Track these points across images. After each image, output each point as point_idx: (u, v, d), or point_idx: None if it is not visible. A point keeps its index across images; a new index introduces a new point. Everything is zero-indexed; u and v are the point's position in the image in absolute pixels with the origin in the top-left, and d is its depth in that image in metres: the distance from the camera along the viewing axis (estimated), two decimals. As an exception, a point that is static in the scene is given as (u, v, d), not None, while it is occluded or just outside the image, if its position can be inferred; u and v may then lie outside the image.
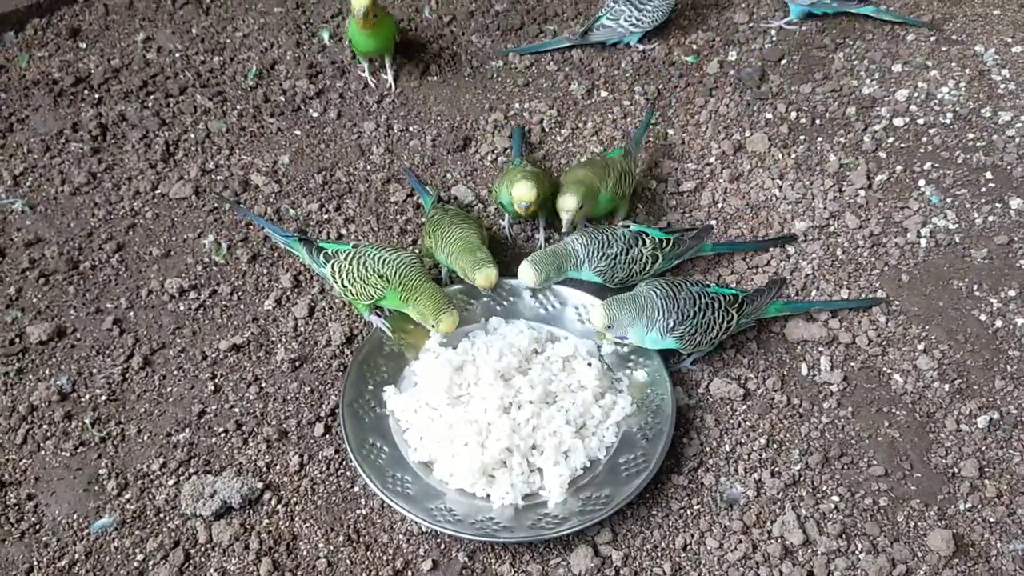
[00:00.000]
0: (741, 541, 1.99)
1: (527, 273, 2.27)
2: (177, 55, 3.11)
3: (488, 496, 2.02)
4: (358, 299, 2.24)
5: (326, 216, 2.64)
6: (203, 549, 2.00)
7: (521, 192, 2.35)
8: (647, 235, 2.34)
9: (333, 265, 2.27)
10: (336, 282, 2.26)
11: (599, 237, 2.31)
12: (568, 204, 2.36)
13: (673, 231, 2.41)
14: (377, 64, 3.04)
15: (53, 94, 2.95)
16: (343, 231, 2.60)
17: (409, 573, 1.97)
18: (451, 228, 2.33)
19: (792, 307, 2.36)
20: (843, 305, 2.37)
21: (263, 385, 2.27)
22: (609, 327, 2.16)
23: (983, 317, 2.36)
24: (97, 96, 2.97)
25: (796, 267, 2.47)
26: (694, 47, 3.10)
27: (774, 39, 3.10)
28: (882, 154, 2.74)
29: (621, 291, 2.27)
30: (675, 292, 2.18)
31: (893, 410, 2.20)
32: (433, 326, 2.18)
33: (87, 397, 2.25)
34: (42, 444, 2.16)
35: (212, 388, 2.26)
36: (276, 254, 2.54)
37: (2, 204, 2.62)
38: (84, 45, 3.14)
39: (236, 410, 2.23)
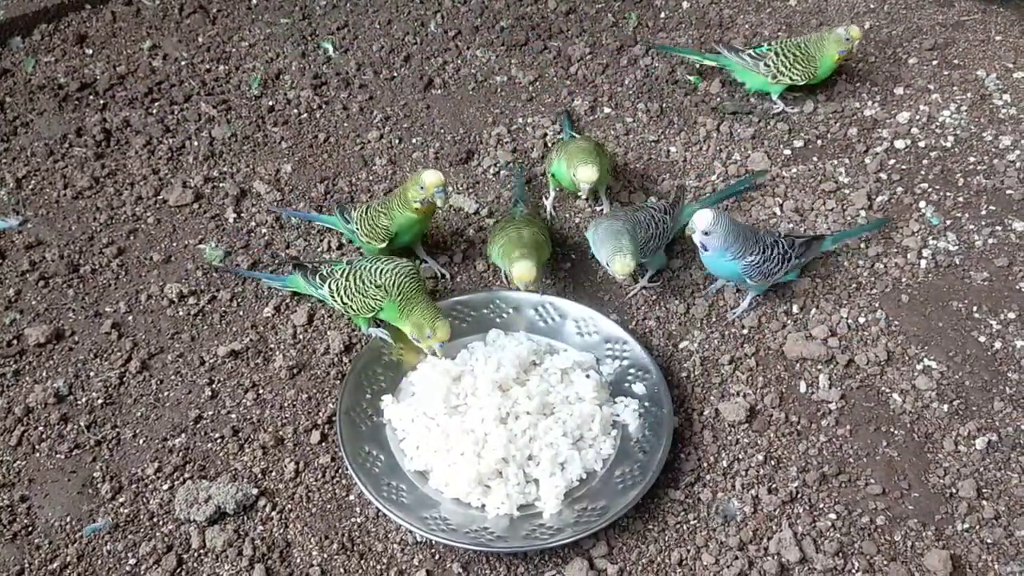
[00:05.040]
0: (737, 557, 1.98)
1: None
2: (183, 63, 3.12)
3: (483, 506, 2.01)
4: (359, 314, 2.24)
5: (327, 225, 2.64)
6: (196, 554, 1.98)
7: (585, 174, 2.46)
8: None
9: (330, 284, 2.27)
10: (336, 300, 2.26)
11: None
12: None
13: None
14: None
15: (58, 99, 2.96)
16: (343, 240, 2.61)
17: (403, 583, 1.96)
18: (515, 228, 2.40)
19: (834, 241, 2.51)
20: (861, 230, 2.55)
21: (260, 392, 2.27)
22: (707, 233, 2.23)
23: (982, 339, 2.35)
24: (102, 102, 2.98)
25: (796, 284, 2.47)
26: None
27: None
28: (883, 175, 2.74)
29: None
30: (756, 231, 2.36)
31: (891, 429, 2.19)
32: (429, 336, 2.16)
33: (83, 400, 2.24)
34: (37, 446, 2.15)
35: (209, 394, 2.26)
36: (276, 261, 2.54)
37: (7, 227, 2.61)
38: (91, 51, 3.16)
39: (233, 416, 2.22)
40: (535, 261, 2.29)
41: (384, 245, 2.40)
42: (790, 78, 2.90)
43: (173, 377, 2.30)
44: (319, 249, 2.58)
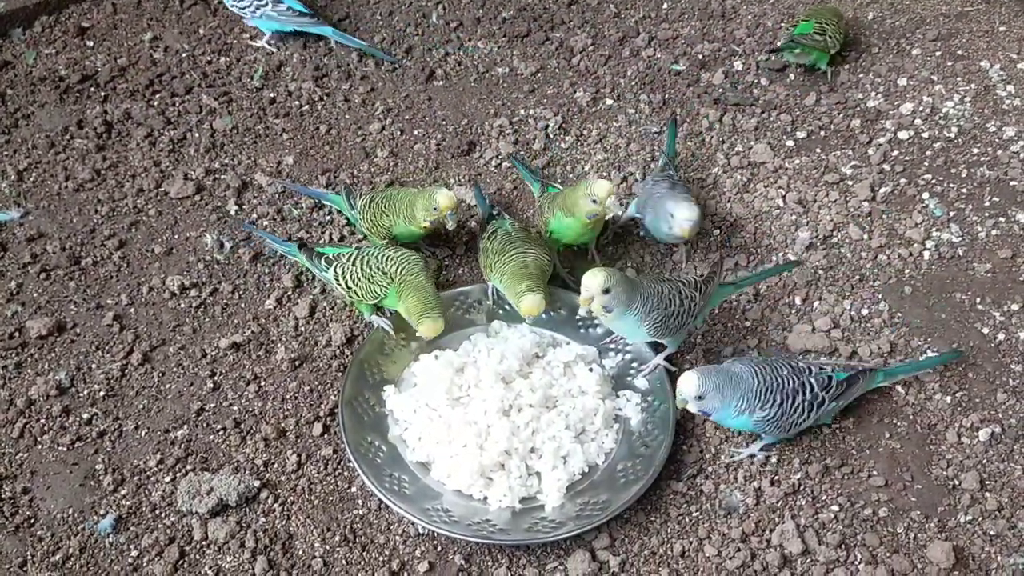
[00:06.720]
0: (740, 549, 1.98)
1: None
2: (184, 55, 3.11)
3: (485, 498, 2.02)
4: (363, 299, 2.23)
5: (328, 217, 2.64)
6: (198, 546, 1.98)
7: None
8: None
9: (336, 268, 2.26)
10: (341, 284, 2.25)
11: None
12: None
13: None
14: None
15: (59, 91, 2.96)
16: (344, 232, 2.60)
17: (405, 574, 1.96)
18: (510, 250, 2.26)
19: (888, 376, 2.18)
20: (928, 364, 2.23)
21: (262, 384, 2.27)
22: (700, 397, 1.95)
23: (985, 330, 2.35)
24: (103, 94, 2.97)
25: (799, 275, 2.46)
26: (700, 56, 3.11)
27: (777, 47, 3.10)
28: (886, 166, 2.73)
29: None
30: (774, 374, 2.00)
31: (894, 421, 2.19)
32: (415, 327, 2.14)
33: (85, 392, 2.24)
34: (39, 438, 2.15)
35: (211, 386, 2.26)
36: (278, 254, 2.53)
37: (9, 220, 2.61)
38: (91, 43, 3.15)
39: (235, 408, 2.22)
40: (544, 293, 2.16)
41: (384, 242, 2.41)
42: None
43: (175, 369, 2.30)
44: (321, 241, 2.58)
